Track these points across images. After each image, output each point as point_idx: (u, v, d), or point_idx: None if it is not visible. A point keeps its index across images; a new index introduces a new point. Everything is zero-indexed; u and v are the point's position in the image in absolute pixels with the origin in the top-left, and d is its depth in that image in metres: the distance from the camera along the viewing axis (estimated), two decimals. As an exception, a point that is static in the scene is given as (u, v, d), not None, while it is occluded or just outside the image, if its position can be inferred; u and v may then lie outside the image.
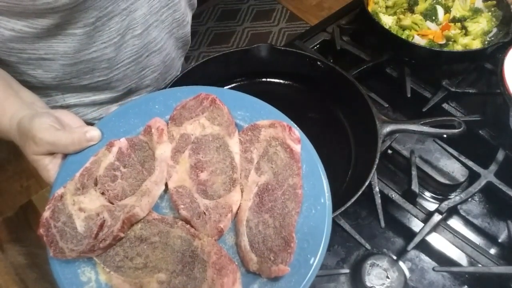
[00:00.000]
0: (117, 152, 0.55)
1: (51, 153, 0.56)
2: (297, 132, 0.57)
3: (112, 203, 0.52)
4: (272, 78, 0.90)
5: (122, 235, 0.50)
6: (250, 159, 0.57)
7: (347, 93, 0.79)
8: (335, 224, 0.71)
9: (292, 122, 0.59)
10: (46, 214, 0.50)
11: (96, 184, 0.53)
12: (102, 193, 0.52)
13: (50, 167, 0.55)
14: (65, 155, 0.56)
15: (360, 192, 0.64)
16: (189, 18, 0.90)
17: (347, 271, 0.70)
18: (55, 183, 0.54)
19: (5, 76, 0.66)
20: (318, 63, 0.82)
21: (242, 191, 0.55)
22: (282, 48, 0.83)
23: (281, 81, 0.90)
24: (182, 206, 0.52)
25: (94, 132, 0.56)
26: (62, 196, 0.52)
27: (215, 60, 0.82)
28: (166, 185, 0.55)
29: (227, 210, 0.52)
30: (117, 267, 0.48)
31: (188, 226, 0.52)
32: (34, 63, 0.71)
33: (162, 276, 0.48)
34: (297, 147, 0.56)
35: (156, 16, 0.78)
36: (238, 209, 0.54)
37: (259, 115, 0.60)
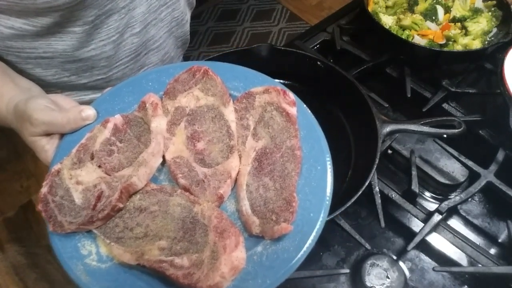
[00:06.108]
0: (113, 128, 0.55)
1: (48, 134, 0.56)
2: (291, 95, 0.57)
3: (109, 174, 0.52)
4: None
5: (120, 205, 0.50)
6: (246, 126, 0.57)
7: (347, 93, 0.79)
8: (335, 224, 0.71)
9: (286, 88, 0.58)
10: (44, 189, 0.50)
11: (92, 158, 0.53)
12: (99, 166, 0.52)
13: (47, 147, 0.56)
14: (62, 136, 0.56)
15: (360, 192, 0.64)
16: (188, 17, 0.90)
17: (347, 271, 0.69)
18: (53, 161, 0.54)
19: (1, 65, 0.66)
20: (318, 63, 0.82)
21: (240, 158, 0.55)
22: (282, 48, 0.83)
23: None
24: (180, 175, 0.53)
25: (89, 111, 0.56)
26: (59, 171, 0.52)
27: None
28: (164, 158, 0.55)
29: (226, 176, 0.52)
30: (118, 238, 0.48)
31: (187, 193, 0.52)
32: (33, 62, 0.71)
33: (163, 243, 0.48)
34: (292, 110, 0.56)
35: (155, 14, 0.78)
36: (237, 174, 0.54)
37: (252, 84, 0.60)
